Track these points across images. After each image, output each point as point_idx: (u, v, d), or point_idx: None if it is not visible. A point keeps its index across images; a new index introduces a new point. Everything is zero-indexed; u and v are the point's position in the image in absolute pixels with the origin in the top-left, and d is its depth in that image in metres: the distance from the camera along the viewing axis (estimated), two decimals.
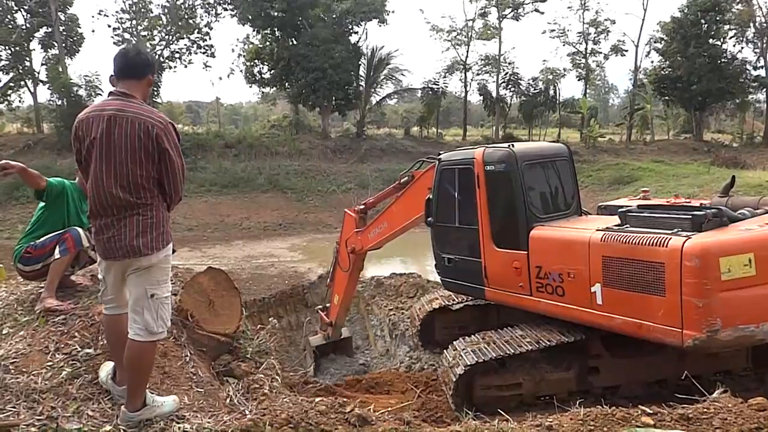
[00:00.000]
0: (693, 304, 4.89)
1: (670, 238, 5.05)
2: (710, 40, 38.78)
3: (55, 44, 33.82)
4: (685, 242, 4.93)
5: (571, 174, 6.85)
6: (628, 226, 5.64)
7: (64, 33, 34.35)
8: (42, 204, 5.03)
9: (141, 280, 3.41)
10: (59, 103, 30.75)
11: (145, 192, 3.37)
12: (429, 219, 7.45)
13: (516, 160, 6.38)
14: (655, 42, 42.01)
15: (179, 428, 3.52)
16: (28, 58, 34.10)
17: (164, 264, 3.50)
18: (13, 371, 3.80)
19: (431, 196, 7.41)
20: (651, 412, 3.92)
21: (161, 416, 3.55)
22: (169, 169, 3.42)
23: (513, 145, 6.68)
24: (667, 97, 41.49)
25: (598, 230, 5.65)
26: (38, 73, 34.27)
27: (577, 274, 5.72)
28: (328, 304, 9.95)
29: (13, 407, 3.48)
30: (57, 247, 4.76)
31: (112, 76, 3.60)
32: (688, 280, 4.89)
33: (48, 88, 32.59)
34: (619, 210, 5.98)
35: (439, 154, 7.51)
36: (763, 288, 4.92)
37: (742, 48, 43.25)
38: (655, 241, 5.12)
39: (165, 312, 3.49)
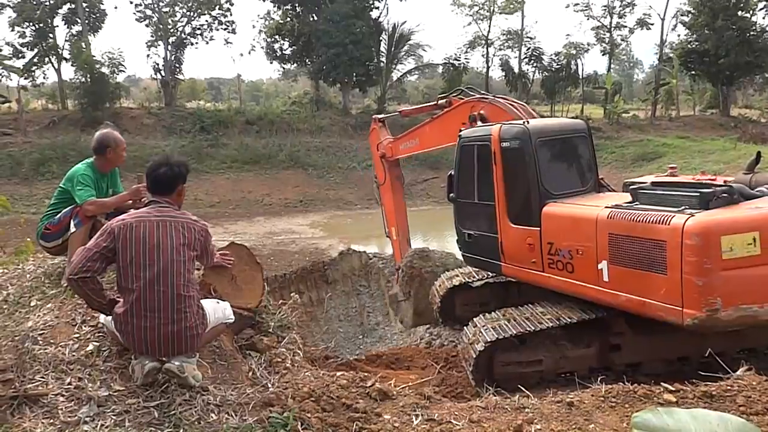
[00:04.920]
0: (693, 282, 4.85)
1: (673, 216, 5.00)
2: (739, 13, 37.83)
3: (78, 21, 33.97)
4: (686, 220, 4.88)
5: (590, 150, 6.79)
6: (638, 203, 5.60)
7: (87, 9, 34.43)
8: (62, 186, 5.13)
9: None
10: (83, 80, 30.91)
11: None
12: (451, 194, 7.61)
13: (530, 137, 6.38)
14: (681, 15, 41.07)
15: (203, 400, 3.58)
16: (51, 35, 34.28)
17: None
18: (41, 342, 3.88)
19: (453, 172, 7.55)
20: (673, 389, 3.91)
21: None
22: None
23: (528, 122, 6.69)
24: (693, 72, 40.64)
25: (606, 207, 5.63)
26: (62, 49, 34.47)
27: (585, 251, 5.75)
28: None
29: (42, 377, 3.56)
30: (72, 221, 4.87)
31: None
32: (688, 259, 4.85)
33: (71, 65, 32.80)
34: (631, 187, 5.93)
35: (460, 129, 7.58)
36: None
37: None
38: (658, 218, 5.09)
39: None
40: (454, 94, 8.52)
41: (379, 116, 10.16)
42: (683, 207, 5.13)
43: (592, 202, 6.05)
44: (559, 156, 6.65)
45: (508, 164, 6.62)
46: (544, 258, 6.25)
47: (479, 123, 7.71)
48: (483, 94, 8.13)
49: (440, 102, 8.63)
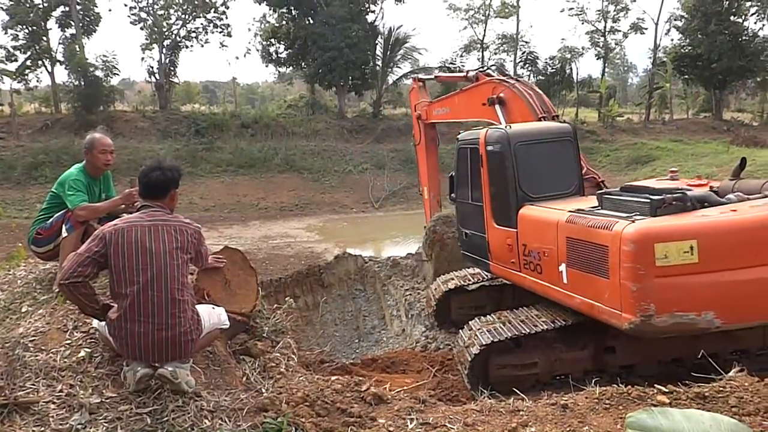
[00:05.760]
0: (628, 287, 4.96)
1: (616, 222, 5.13)
2: (731, 18, 37.98)
3: (72, 23, 33.84)
4: (625, 227, 4.99)
5: (574, 154, 6.90)
6: (600, 208, 5.73)
7: (81, 12, 34.25)
8: (54, 191, 5.10)
9: None
10: (76, 83, 30.80)
11: None
12: (451, 195, 8.14)
13: (509, 141, 6.63)
14: (675, 20, 41.24)
15: (196, 405, 3.56)
16: (45, 38, 34.07)
17: None
18: (32, 349, 3.86)
19: (452, 174, 8.04)
20: (667, 390, 3.91)
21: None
22: None
23: (510, 126, 6.96)
24: (686, 76, 40.78)
25: (568, 212, 5.78)
26: (56, 52, 34.35)
27: (550, 253, 5.96)
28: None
29: (33, 384, 3.54)
30: (63, 225, 4.85)
31: None
32: (624, 264, 4.97)
33: (65, 68, 32.66)
34: (598, 192, 6.07)
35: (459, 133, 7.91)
36: (707, 276, 4.90)
37: (764, 25, 42.14)
38: (604, 224, 5.23)
39: None
40: (483, 70, 8.80)
41: (420, 76, 10.66)
42: (634, 213, 5.25)
43: (562, 205, 6.17)
44: (540, 159, 6.77)
45: (492, 167, 6.90)
46: (520, 258, 6.50)
47: (497, 106, 8.01)
48: (506, 77, 8.31)
49: (469, 75, 8.98)
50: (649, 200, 5.23)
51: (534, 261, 6.25)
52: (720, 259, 4.91)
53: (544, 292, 6.17)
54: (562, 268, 5.76)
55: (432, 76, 11.65)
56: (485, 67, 9.01)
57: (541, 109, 7.58)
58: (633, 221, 5.05)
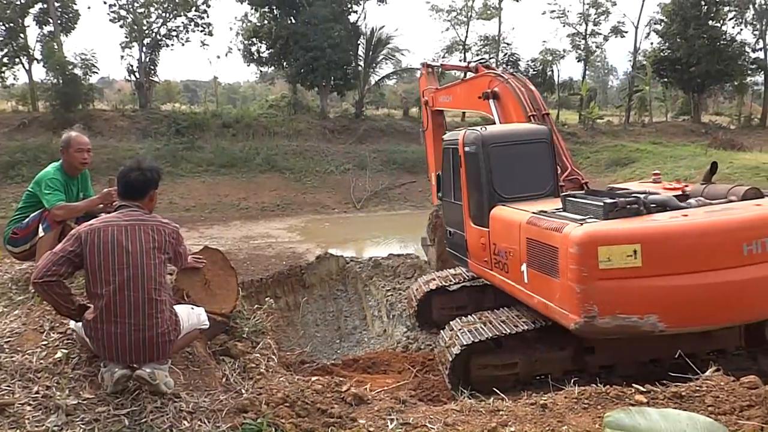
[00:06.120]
0: (573, 289, 5.07)
1: (566, 225, 5.24)
2: (710, 22, 38.59)
3: (50, 21, 33.44)
4: (573, 230, 5.11)
5: (549, 156, 6.99)
6: (563, 210, 5.83)
7: (60, 9, 33.89)
8: (30, 190, 5.04)
9: None
10: (54, 81, 30.45)
11: None
12: (439, 193, 8.33)
13: (482, 143, 6.78)
14: (654, 23, 41.86)
15: (175, 407, 3.53)
16: (22, 35, 33.66)
17: None
18: (7, 350, 3.80)
19: (440, 173, 8.21)
20: (644, 390, 3.95)
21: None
22: None
23: (485, 128, 7.11)
24: (665, 79, 41.35)
25: (531, 213, 5.90)
26: (33, 50, 33.93)
27: (514, 253, 6.10)
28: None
29: (8, 386, 3.48)
30: (40, 225, 4.79)
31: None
32: (570, 266, 5.09)
33: (43, 66, 32.30)
34: (562, 195, 6.19)
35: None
36: (651, 280, 4.98)
37: (741, 30, 43.06)
38: (556, 226, 5.35)
39: None
40: (483, 62, 8.98)
41: (429, 62, 10.95)
42: (588, 216, 5.35)
43: (529, 207, 6.26)
44: (514, 161, 6.88)
45: (469, 168, 7.06)
46: (491, 258, 6.64)
47: (491, 100, 8.10)
48: (502, 72, 8.39)
49: (471, 65, 9.14)
50: (603, 204, 5.31)
51: (502, 260, 6.40)
52: (664, 264, 4.99)
53: (511, 291, 6.31)
54: (524, 268, 5.89)
55: (438, 64, 11.84)
56: (486, 60, 9.11)
57: (531, 107, 7.63)
58: (581, 224, 5.16)
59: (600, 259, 4.93)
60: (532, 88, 8.07)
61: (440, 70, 11.43)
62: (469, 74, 9.98)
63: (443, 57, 42.80)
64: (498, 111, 8.03)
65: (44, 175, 4.98)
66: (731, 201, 5.79)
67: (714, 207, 5.56)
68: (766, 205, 5.52)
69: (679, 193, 6.43)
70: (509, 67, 41.67)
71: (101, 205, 4.90)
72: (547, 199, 6.66)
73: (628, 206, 5.28)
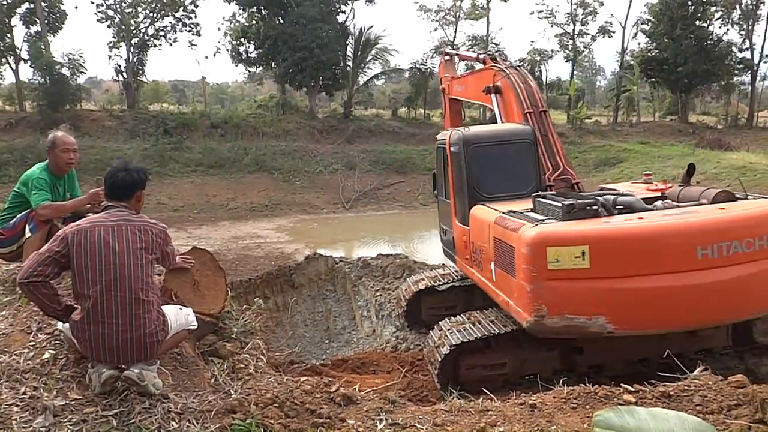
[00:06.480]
0: (525, 288, 5.22)
1: (523, 225, 5.37)
2: (697, 22, 38.77)
3: (37, 21, 33.19)
4: (526, 230, 5.25)
5: (532, 157, 7.07)
6: (533, 211, 5.94)
7: (47, 9, 33.65)
8: (16, 190, 5.01)
9: None
10: (41, 81, 30.22)
11: None
12: (434, 191, 8.57)
13: (464, 143, 6.98)
14: (642, 23, 41.96)
15: (163, 407, 3.52)
16: (9, 35, 33.40)
17: None
18: None
19: (434, 171, 8.48)
20: (633, 390, 3.97)
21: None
22: None
23: (468, 128, 7.32)
24: (653, 79, 41.50)
25: (500, 213, 6.06)
26: (20, 50, 33.67)
27: (486, 251, 6.27)
28: None
29: None
30: (27, 225, 4.76)
31: None
32: (522, 266, 5.24)
33: (30, 66, 32.06)
34: (533, 195, 6.27)
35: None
36: (599, 282, 5.07)
37: (728, 30, 43.18)
38: (514, 227, 5.49)
39: None
40: (491, 54, 8.85)
41: (449, 50, 10.90)
42: (548, 217, 5.48)
43: (503, 206, 6.37)
44: (495, 161, 7.03)
45: (454, 167, 7.24)
46: (471, 255, 6.83)
47: (493, 95, 8.11)
48: (507, 66, 8.26)
49: (480, 57, 9.10)
50: (561, 205, 5.41)
51: (478, 258, 6.58)
52: (612, 266, 5.06)
53: (485, 289, 6.47)
54: (492, 266, 6.05)
55: (455, 52, 11.76)
56: (494, 52, 8.97)
57: (528, 104, 7.54)
58: (535, 225, 5.27)
59: (549, 260, 5.04)
60: (532, 84, 7.98)
61: (457, 59, 11.24)
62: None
63: (431, 57, 42.86)
64: (500, 106, 8.02)
65: (30, 175, 4.95)
66: (701, 204, 5.83)
67: (674, 210, 5.62)
68: (731, 209, 5.52)
69: (659, 194, 6.49)
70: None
71: (88, 206, 4.88)
72: (528, 199, 6.71)
73: (586, 208, 5.38)
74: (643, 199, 6.19)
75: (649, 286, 5.05)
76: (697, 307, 5.15)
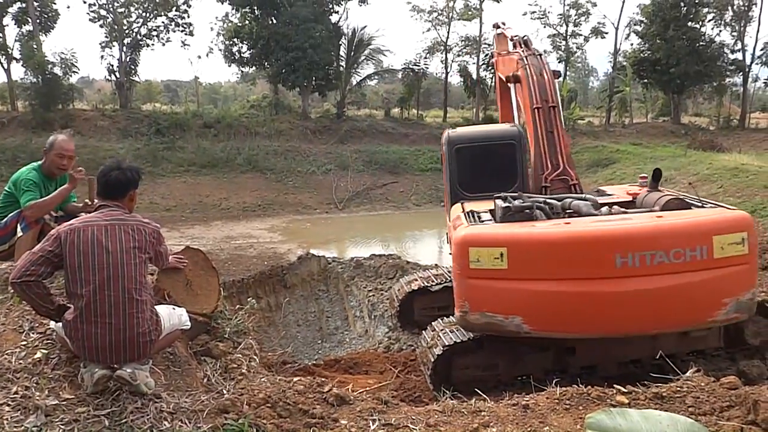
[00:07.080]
0: (455, 284, 5.60)
1: (460, 225, 5.72)
2: (689, 23, 38.94)
3: (29, 20, 33.02)
4: (457, 230, 5.59)
5: (517, 157, 7.19)
6: (491, 212, 6.19)
7: (39, 9, 33.47)
8: (7, 189, 5.00)
9: None
10: (34, 80, 30.09)
11: None
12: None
13: (449, 143, 7.30)
14: (634, 25, 42.11)
15: (156, 407, 3.51)
16: (1, 34, 33.20)
17: None
18: None
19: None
20: (626, 391, 3.98)
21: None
22: None
23: (455, 129, 7.62)
24: (646, 80, 41.66)
25: (459, 213, 6.37)
26: (12, 49, 33.47)
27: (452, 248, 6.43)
28: None
29: None
30: (18, 225, 4.75)
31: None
32: (453, 264, 5.60)
33: (22, 66, 31.91)
34: (495, 196, 6.38)
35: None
36: (516, 283, 5.26)
37: (720, 31, 43.44)
38: (455, 226, 5.83)
39: None
40: (521, 38, 8.69)
41: (500, 22, 10.47)
42: (490, 218, 5.84)
43: (476, 206, 6.59)
44: (479, 161, 7.25)
45: (444, 167, 7.58)
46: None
47: (511, 84, 8.25)
48: (528, 54, 8.01)
49: (513, 39, 9.02)
50: (502, 207, 5.68)
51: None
52: (528, 269, 5.23)
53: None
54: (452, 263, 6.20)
55: (502, 28, 11.16)
56: (523, 36, 8.69)
57: (538, 98, 7.42)
58: (468, 225, 5.55)
59: (471, 259, 5.28)
60: (546, 76, 7.68)
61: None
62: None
63: (424, 58, 42.87)
64: (518, 96, 8.06)
65: (19, 176, 4.95)
66: (653, 210, 5.85)
67: (608, 217, 5.71)
68: (668, 218, 5.48)
69: (630, 199, 6.55)
70: (491, 67, 41.94)
71: (81, 206, 4.87)
72: None
73: (523, 211, 5.62)
74: (619, 203, 6.26)
75: (561, 290, 5.20)
76: (616, 315, 5.20)
